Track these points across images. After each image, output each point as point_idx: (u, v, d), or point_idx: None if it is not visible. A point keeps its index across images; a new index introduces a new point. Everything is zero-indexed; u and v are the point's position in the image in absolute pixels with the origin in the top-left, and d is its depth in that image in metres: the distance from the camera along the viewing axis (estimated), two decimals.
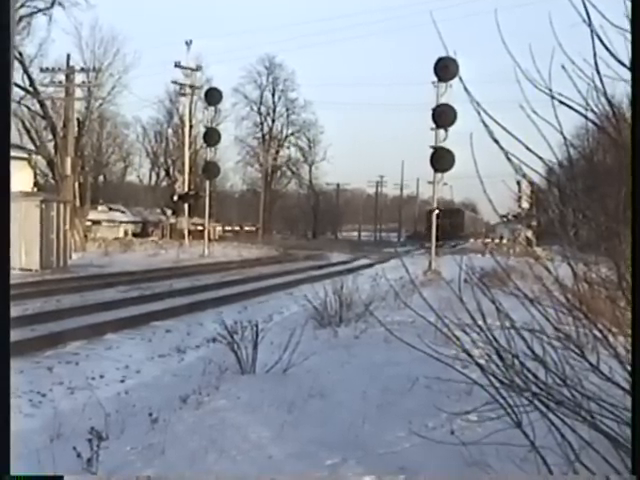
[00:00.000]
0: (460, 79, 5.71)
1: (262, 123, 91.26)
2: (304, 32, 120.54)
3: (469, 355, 5.56)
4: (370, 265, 38.56)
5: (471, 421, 6.29)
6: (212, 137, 54.24)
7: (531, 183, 5.80)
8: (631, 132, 4.31)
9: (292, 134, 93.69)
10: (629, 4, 4.40)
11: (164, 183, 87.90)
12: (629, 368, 4.85)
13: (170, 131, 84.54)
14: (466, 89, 5.32)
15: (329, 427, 7.52)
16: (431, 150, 32.80)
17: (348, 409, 8.10)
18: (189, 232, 57.38)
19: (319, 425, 7.60)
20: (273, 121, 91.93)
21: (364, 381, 9.27)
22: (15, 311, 18.33)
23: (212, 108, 61.97)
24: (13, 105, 37.08)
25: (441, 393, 7.53)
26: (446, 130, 32.29)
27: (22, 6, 41.05)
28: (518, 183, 7.04)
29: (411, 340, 6.60)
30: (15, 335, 14.16)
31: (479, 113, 5.16)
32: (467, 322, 5.52)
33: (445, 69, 30.25)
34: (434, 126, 32.50)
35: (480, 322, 5.39)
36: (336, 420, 7.76)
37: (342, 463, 6.38)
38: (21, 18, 41.57)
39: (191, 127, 65.59)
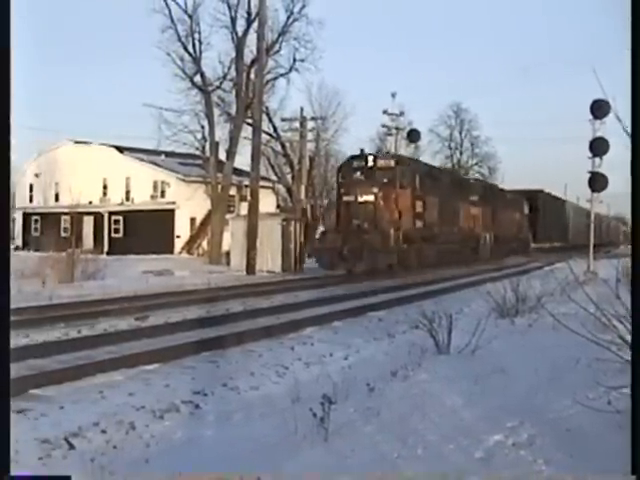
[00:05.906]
0: (617, 117, 5.57)
1: (452, 155, 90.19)
2: (482, 83, 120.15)
3: (623, 340, 5.43)
4: (539, 267, 37.38)
5: (624, 394, 6.11)
6: None
7: None
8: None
9: (476, 164, 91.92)
10: None
11: None
12: None
13: None
14: (624, 128, 5.21)
15: (508, 396, 7.46)
16: (588, 175, 32.52)
17: (524, 382, 8.00)
18: None
19: (500, 395, 7.56)
20: (461, 154, 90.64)
21: (536, 360, 9.08)
22: (266, 303, 19.13)
23: (413, 145, 62.37)
24: (262, 147, 39.06)
25: (599, 371, 7.31)
26: (601, 158, 31.84)
27: (268, 72, 42.88)
28: None
29: (574, 327, 6.49)
30: (265, 322, 14.84)
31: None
32: (622, 314, 5.40)
33: (599, 109, 30.16)
34: (591, 155, 32.18)
35: None
36: (514, 391, 7.69)
37: (520, 425, 6.33)
38: (267, 82, 43.29)
39: None
